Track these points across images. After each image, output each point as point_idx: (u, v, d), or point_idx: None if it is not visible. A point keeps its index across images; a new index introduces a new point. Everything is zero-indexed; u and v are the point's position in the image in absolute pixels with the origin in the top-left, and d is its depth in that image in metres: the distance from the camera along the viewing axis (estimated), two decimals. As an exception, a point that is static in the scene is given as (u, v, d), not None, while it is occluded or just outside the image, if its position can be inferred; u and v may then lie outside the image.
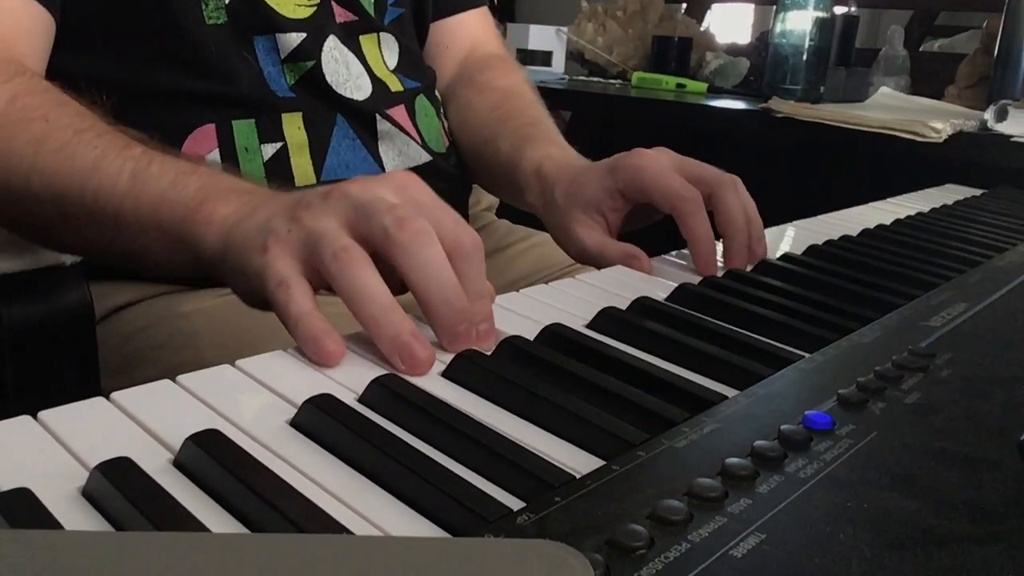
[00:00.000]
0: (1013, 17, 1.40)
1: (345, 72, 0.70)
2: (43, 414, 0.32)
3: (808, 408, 0.35)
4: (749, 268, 0.59)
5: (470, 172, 0.83)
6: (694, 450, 0.32)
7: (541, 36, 1.97)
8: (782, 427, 0.33)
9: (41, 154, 0.51)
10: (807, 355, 0.42)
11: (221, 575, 0.20)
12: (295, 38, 0.68)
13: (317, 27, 0.69)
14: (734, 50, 1.94)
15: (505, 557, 0.21)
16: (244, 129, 0.66)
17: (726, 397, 0.37)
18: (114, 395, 0.34)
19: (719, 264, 0.59)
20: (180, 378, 0.36)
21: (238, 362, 0.38)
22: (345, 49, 0.71)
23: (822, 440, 0.32)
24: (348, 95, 0.70)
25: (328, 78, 0.69)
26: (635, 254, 0.60)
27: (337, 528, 0.27)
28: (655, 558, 0.25)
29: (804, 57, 1.51)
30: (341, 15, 0.72)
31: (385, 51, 0.76)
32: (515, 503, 0.29)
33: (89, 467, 0.29)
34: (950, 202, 0.92)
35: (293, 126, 0.67)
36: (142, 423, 0.33)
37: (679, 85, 1.73)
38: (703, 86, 1.73)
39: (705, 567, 0.25)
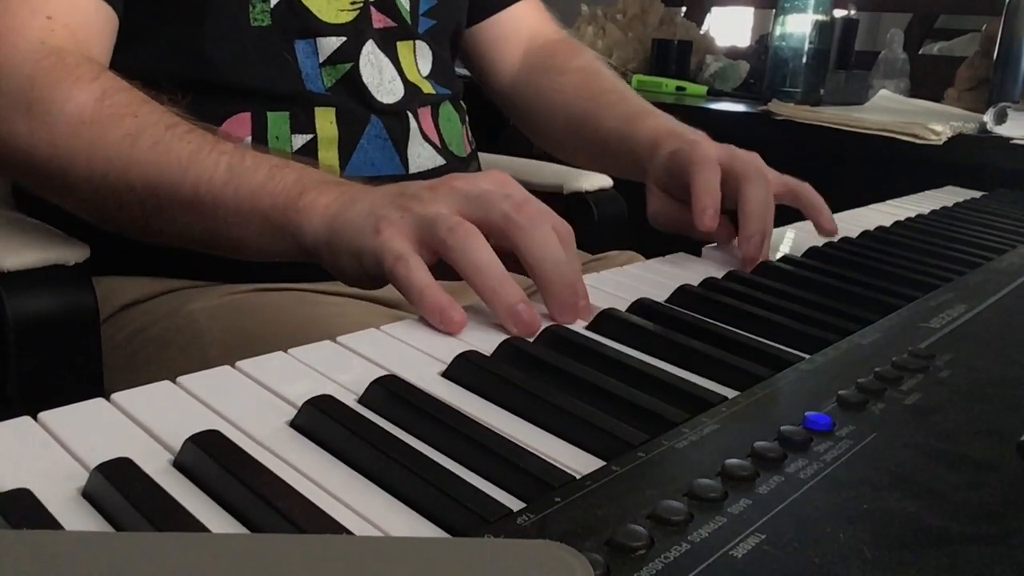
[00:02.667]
0: (1012, 20, 1.41)
1: (378, 76, 0.72)
2: (43, 415, 0.32)
3: (808, 409, 0.35)
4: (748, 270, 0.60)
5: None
6: (694, 451, 0.32)
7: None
8: (782, 428, 0.33)
9: (137, 148, 0.54)
10: (807, 356, 0.42)
11: None
12: (334, 42, 0.70)
13: (357, 32, 0.71)
14: (734, 53, 1.94)
15: (505, 557, 0.21)
16: (278, 120, 0.67)
17: (726, 398, 0.37)
18: (114, 396, 0.34)
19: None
20: (180, 379, 0.36)
21: (238, 363, 0.38)
22: (381, 54, 0.73)
23: (822, 441, 0.33)
24: (380, 99, 0.72)
25: (365, 80, 0.71)
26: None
27: (337, 528, 0.27)
28: (655, 558, 0.25)
29: (804, 60, 1.52)
30: (379, 21, 0.74)
31: (420, 58, 0.78)
32: (515, 503, 0.29)
33: (89, 468, 0.29)
34: (950, 204, 0.92)
35: (326, 120, 0.69)
36: (142, 424, 0.33)
37: (679, 88, 1.74)
38: (703, 89, 1.73)
39: (705, 567, 0.25)
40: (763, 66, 1.63)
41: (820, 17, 1.50)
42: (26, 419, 0.32)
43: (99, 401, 0.34)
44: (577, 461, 0.32)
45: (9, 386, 0.55)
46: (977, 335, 0.46)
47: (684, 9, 2.23)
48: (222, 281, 0.67)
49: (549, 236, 0.46)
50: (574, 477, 0.30)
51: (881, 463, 0.31)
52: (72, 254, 0.58)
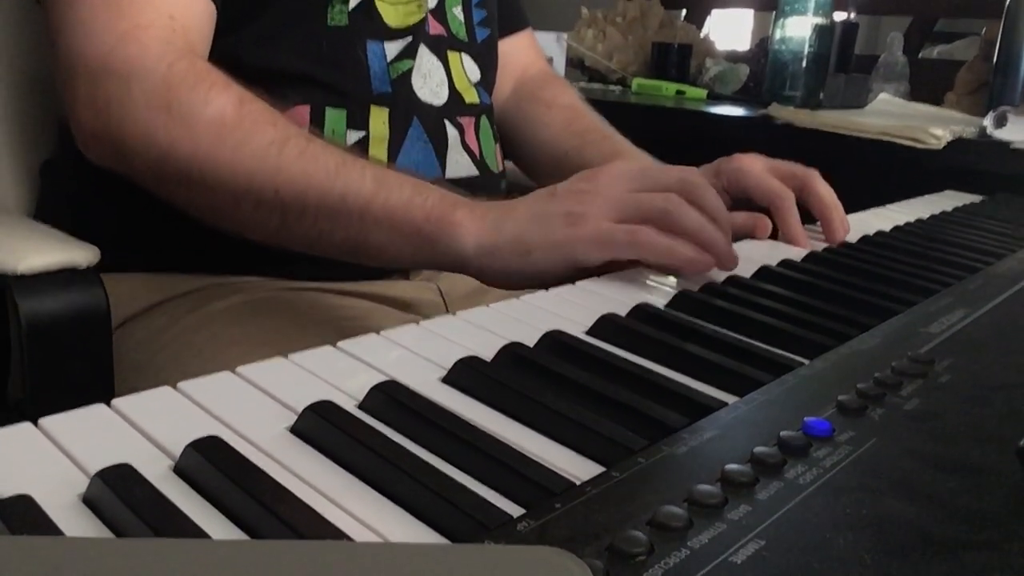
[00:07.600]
0: (1012, 24, 1.41)
1: (425, 80, 0.74)
2: (44, 420, 0.32)
3: (807, 414, 0.35)
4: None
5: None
6: (694, 456, 0.32)
7: (541, 42, 1.96)
8: (781, 433, 0.33)
9: (284, 156, 0.57)
10: (806, 361, 0.42)
11: (222, 582, 0.20)
12: (399, 44, 0.72)
13: (416, 34, 0.74)
14: (734, 56, 1.94)
15: (505, 563, 0.21)
16: (335, 116, 0.69)
17: (726, 403, 0.37)
18: (115, 401, 0.34)
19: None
20: (181, 384, 0.36)
21: (238, 368, 0.38)
22: (433, 58, 0.75)
23: (821, 446, 0.33)
24: (426, 100, 0.74)
25: (414, 81, 0.73)
26: (759, 216, 0.70)
27: (337, 535, 0.27)
28: (655, 564, 0.25)
29: (803, 63, 1.52)
30: (434, 28, 0.76)
31: (468, 66, 0.80)
32: (515, 509, 0.29)
33: (90, 474, 0.29)
34: (949, 208, 0.92)
35: (379, 120, 0.71)
36: (143, 430, 0.33)
37: (679, 92, 1.73)
38: (703, 92, 1.73)
39: (705, 573, 0.25)
40: (763, 69, 1.63)
41: (820, 20, 1.50)
42: (27, 425, 0.32)
43: (100, 407, 0.34)
44: (577, 467, 0.32)
45: (12, 385, 0.55)
46: (977, 340, 0.46)
47: (684, 12, 2.23)
48: (243, 274, 0.69)
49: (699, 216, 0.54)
50: (574, 483, 0.30)
51: (881, 469, 0.31)
52: (83, 256, 0.59)
